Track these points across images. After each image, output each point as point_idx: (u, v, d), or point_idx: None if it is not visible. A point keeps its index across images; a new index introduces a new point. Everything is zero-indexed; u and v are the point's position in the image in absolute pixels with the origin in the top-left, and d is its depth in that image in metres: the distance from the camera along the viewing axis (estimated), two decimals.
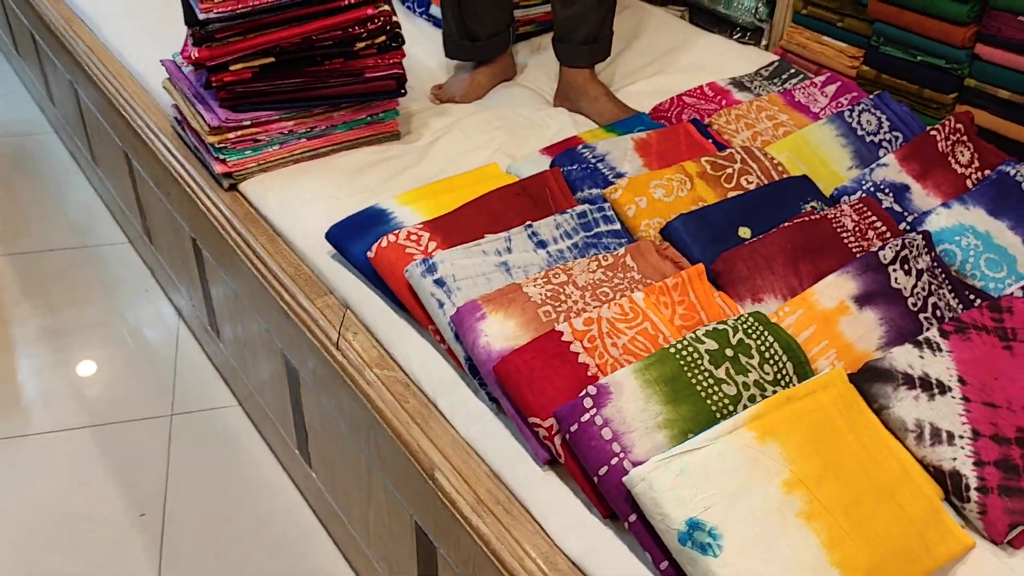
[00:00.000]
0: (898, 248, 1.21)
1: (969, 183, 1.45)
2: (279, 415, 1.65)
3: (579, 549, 0.97)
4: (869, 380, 1.05)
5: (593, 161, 1.44)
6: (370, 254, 1.25)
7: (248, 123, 1.53)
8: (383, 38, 1.55)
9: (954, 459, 0.99)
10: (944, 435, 1.01)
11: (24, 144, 2.77)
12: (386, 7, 1.53)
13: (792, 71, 1.75)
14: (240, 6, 1.43)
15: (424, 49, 2.00)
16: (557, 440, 1.00)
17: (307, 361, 1.39)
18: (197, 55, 1.47)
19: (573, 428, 0.97)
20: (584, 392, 0.98)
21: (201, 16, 1.43)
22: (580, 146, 1.47)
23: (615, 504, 0.94)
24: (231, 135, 1.53)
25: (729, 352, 1.05)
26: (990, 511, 0.96)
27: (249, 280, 1.49)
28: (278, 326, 1.45)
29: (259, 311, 1.53)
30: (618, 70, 1.93)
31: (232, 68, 1.49)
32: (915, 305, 1.19)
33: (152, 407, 1.88)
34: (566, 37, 1.74)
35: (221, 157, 1.54)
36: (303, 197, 1.49)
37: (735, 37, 2.04)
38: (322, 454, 1.52)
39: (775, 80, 1.74)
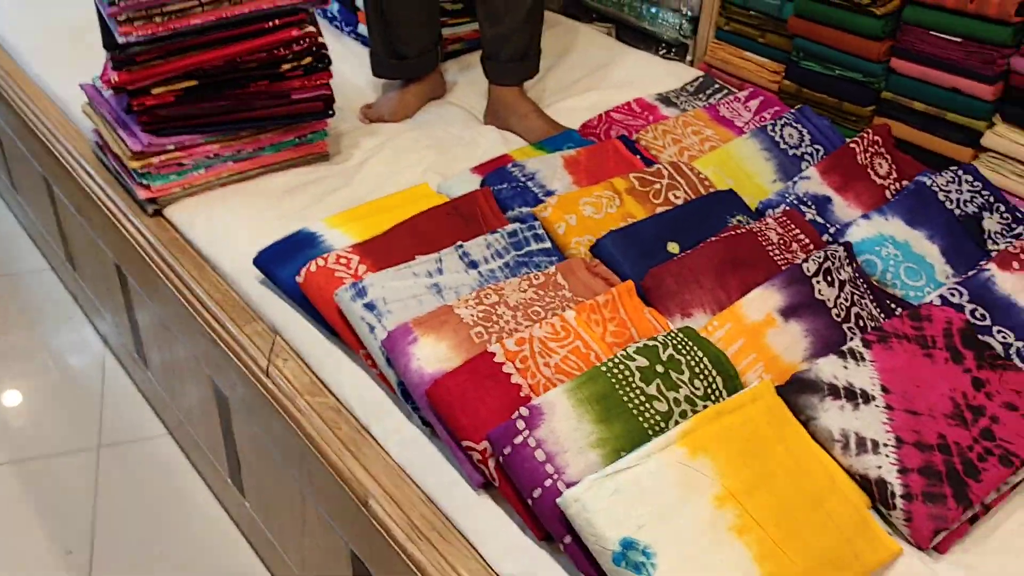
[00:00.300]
0: (821, 260, 1.24)
1: (888, 194, 1.49)
2: (210, 444, 1.62)
3: (515, 572, 0.96)
4: (796, 392, 1.07)
5: (523, 180, 1.44)
6: (299, 279, 1.23)
7: (172, 147, 1.50)
8: (309, 59, 1.53)
9: (879, 467, 1.01)
10: (869, 444, 1.03)
11: None
12: (311, 28, 1.52)
13: (716, 86, 1.78)
14: (161, 29, 1.40)
15: (353, 68, 1.99)
16: (491, 463, 1.00)
17: (236, 388, 1.36)
18: (117, 79, 1.44)
19: (506, 451, 0.97)
20: (516, 414, 0.98)
21: (120, 40, 1.39)
22: (510, 165, 1.47)
23: (550, 526, 0.94)
24: (154, 160, 1.49)
25: (660, 368, 1.06)
26: (915, 518, 0.98)
27: (176, 307, 1.46)
28: (206, 353, 1.42)
29: (187, 338, 1.49)
30: (548, 87, 1.94)
31: (154, 92, 1.46)
32: (839, 316, 1.21)
33: (78, 439, 1.82)
34: (494, 55, 1.74)
35: (144, 183, 1.51)
36: (230, 222, 1.46)
37: (660, 53, 2.07)
38: (255, 483, 1.49)
39: (700, 95, 1.76)
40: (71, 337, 2.08)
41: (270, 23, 1.48)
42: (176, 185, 1.53)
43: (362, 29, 2.12)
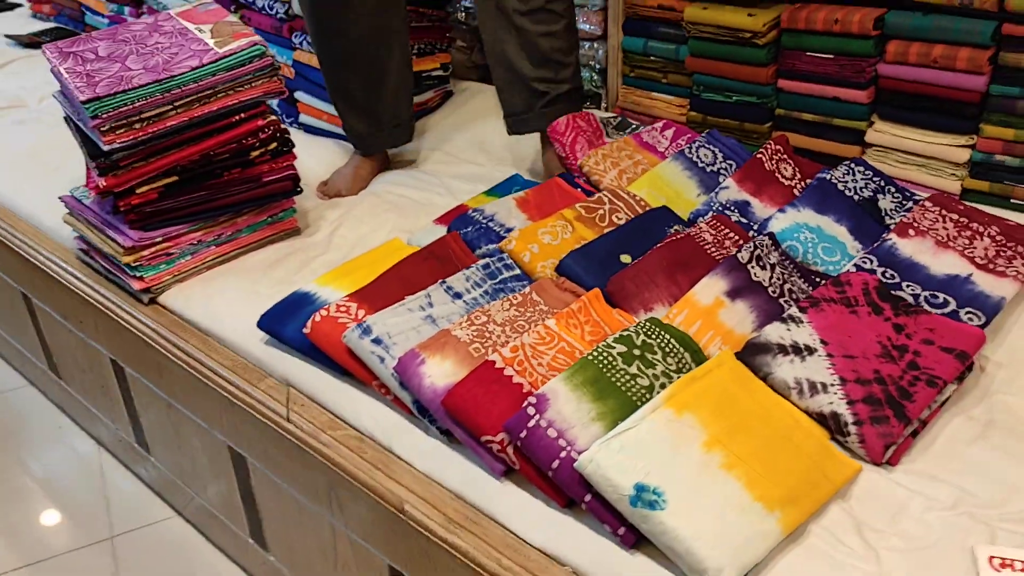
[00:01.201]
0: (752, 249, 1.45)
1: (796, 192, 1.72)
2: (227, 510, 1.72)
3: (545, 539, 1.11)
4: (752, 354, 1.27)
5: (484, 222, 1.63)
6: (306, 330, 1.38)
7: (159, 239, 1.64)
8: (275, 144, 1.70)
9: (831, 403, 1.21)
10: (819, 386, 1.22)
11: None
12: (273, 117, 1.69)
13: (634, 126, 2.00)
14: (141, 134, 1.56)
15: (302, 152, 2.15)
16: (510, 450, 1.16)
17: (256, 444, 1.49)
18: (104, 184, 1.58)
19: (523, 435, 1.13)
20: (527, 402, 1.14)
21: (105, 148, 1.54)
22: (470, 211, 1.66)
23: (571, 490, 1.10)
24: (145, 252, 1.63)
25: (636, 352, 1.24)
26: (867, 438, 1.17)
27: (184, 384, 1.58)
28: (221, 420, 1.54)
29: (198, 412, 1.61)
30: (489, 139, 2.14)
31: (138, 191, 1.61)
32: (775, 293, 1.42)
33: (89, 534, 1.90)
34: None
35: (138, 275, 1.64)
36: (226, 297, 1.61)
37: None
38: (278, 534, 1.60)
39: (621, 131, 1.99)
40: (63, 445, 2.16)
41: (237, 117, 1.65)
42: (167, 274, 1.67)
43: (303, 119, 2.30)
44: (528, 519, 1.14)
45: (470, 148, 2.15)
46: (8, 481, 2.06)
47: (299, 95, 2.29)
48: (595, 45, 2.20)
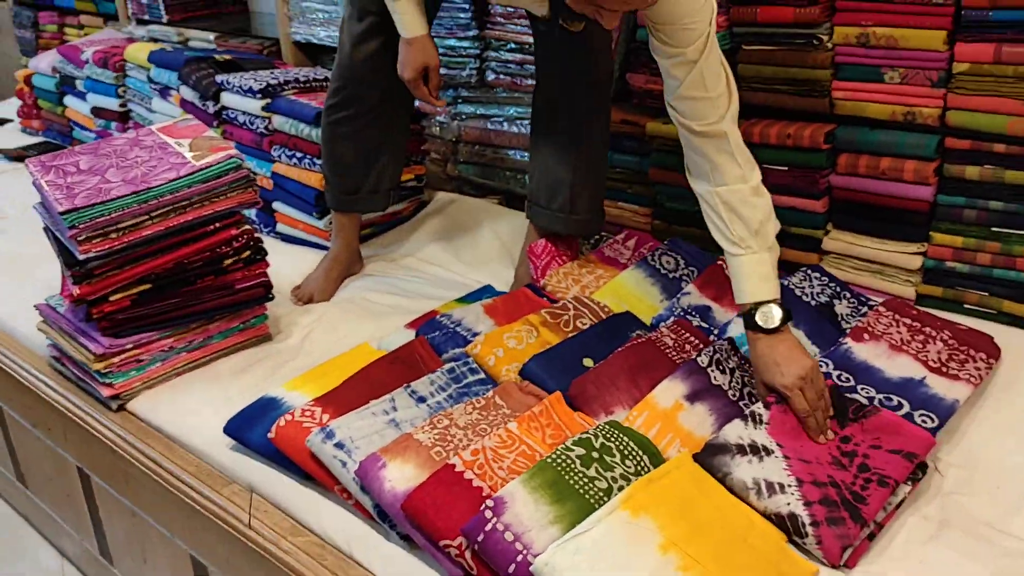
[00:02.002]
0: (711, 353, 1.49)
1: None
2: None
3: None
4: (711, 455, 1.28)
5: (452, 327, 1.66)
6: (270, 435, 1.39)
7: (130, 346, 1.66)
8: (248, 253, 1.75)
9: (788, 504, 1.22)
10: (776, 487, 1.24)
11: None
12: (247, 226, 1.74)
13: (600, 236, 2.06)
14: (116, 243, 1.60)
15: (277, 261, 2.20)
16: (468, 555, 1.16)
17: (217, 551, 1.47)
18: (78, 292, 1.61)
19: (480, 538, 1.13)
20: (484, 506, 1.15)
21: (81, 256, 1.58)
22: (439, 316, 1.69)
23: None
24: (116, 359, 1.65)
25: (595, 454, 1.25)
26: (824, 540, 1.18)
27: (149, 491, 1.58)
28: (183, 527, 1.53)
29: (161, 520, 1.60)
30: (462, 248, 2.20)
31: (111, 299, 1.63)
32: (734, 396, 1.45)
33: None
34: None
35: (108, 381, 1.65)
36: (194, 403, 1.62)
37: None
38: None
39: (586, 244, 2.05)
40: (25, 558, 2.11)
41: (212, 226, 1.70)
42: (137, 380, 1.68)
43: (280, 228, 2.36)
44: None
45: (443, 256, 2.20)
46: None
47: (277, 205, 2.35)
48: None
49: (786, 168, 1.89)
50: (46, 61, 3.26)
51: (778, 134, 1.87)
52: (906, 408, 1.43)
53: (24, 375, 1.85)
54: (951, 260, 1.77)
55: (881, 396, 1.46)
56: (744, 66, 1.90)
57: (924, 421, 1.40)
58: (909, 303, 1.71)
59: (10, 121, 3.55)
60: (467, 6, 2.35)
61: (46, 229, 1.77)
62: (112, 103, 2.97)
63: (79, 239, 1.57)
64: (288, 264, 2.17)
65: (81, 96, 3.10)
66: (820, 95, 1.83)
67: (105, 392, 1.66)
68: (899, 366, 1.52)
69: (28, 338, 1.91)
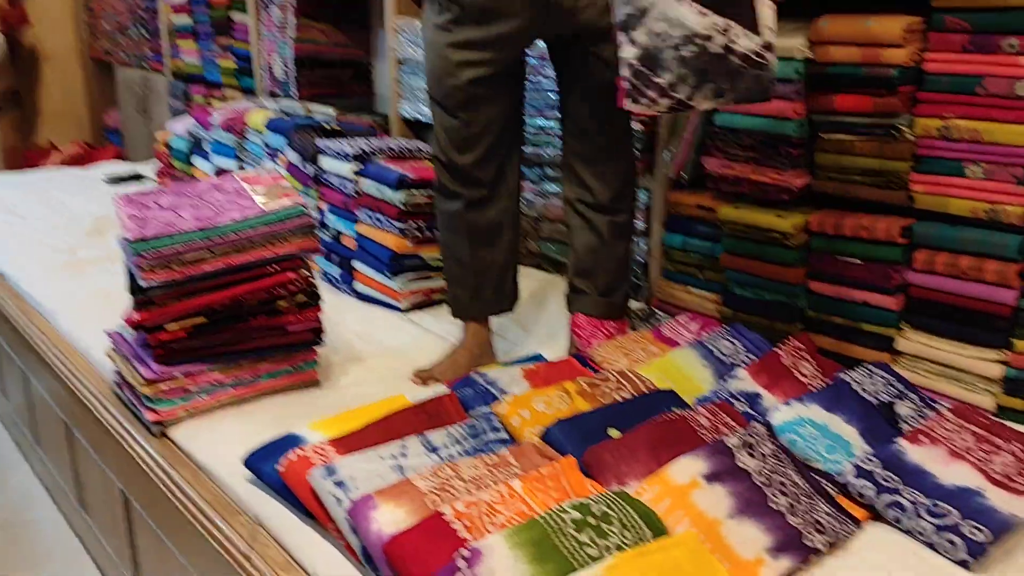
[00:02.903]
0: (743, 435, 1.40)
1: (812, 390, 1.66)
2: None
3: None
4: None
5: (485, 385, 1.64)
6: (280, 468, 1.40)
7: (179, 375, 1.72)
8: (303, 297, 1.79)
9: None
10: None
11: None
12: (305, 271, 1.79)
13: (657, 316, 2.01)
14: (177, 275, 1.68)
15: (350, 315, 2.26)
16: None
17: None
18: (138, 318, 1.69)
19: None
20: (458, 553, 1.10)
21: (143, 284, 1.66)
22: (474, 373, 1.68)
23: None
24: (163, 386, 1.70)
25: (592, 520, 1.19)
26: None
27: (174, 517, 1.60)
28: (199, 556, 1.54)
29: (182, 547, 1.62)
30: (525, 318, 2.19)
31: (168, 328, 1.70)
32: (762, 482, 1.35)
33: None
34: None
35: (152, 407, 1.71)
36: (228, 435, 1.65)
37: None
38: None
39: (645, 322, 2.00)
40: None
41: (271, 268, 1.76)
42: (181, 409, 1.73)
43: (357, 286, 2.42)
44: None
45: (504, 322, 2.19)
46: None
47: (356, 264, 2.41)
48: (636, 240, 2.26)
49: (860, 261, 1.80)
50: (182, 125, 3.52)
51: (852, 225, 1.79)
52: (955, 518, 1.29)
53: (89, 398, 1.93)
54: None
55: (927, 502, 1.32)
56: (821, 155, 1.84)
57: (973, 534, 1.26)
58: (979, 409, 1.56)
59: (145, 177, 3.84)
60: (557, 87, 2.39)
61: (125, 263, 1.88)
62: (232, 164, 3.17)
63: (143, 267, 1.65)
64: (356, 319, 2.22)
65: (206, 156, 3.32)
66: (898, 187, 1.74)
67: (149, 416, 1.71)
68: (955, 474, 1.39)
69: (100, 363, 2.00)
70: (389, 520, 1.22)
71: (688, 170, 2.07)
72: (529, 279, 2.45)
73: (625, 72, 1.44)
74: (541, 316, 2.24)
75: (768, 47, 1.43)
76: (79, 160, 5.03)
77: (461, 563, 1.10)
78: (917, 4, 1.65)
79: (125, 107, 5.15)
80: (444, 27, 1.72)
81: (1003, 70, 1.56)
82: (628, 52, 1.42)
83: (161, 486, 1.61)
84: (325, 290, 1.96)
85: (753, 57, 1.40)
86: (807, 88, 1.81)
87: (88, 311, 2.27)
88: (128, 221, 1.73)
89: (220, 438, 1.65)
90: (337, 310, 2.24)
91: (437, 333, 2.16)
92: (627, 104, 1.46)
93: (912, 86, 1.69)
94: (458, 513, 1.21)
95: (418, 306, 2.33)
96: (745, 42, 1.39)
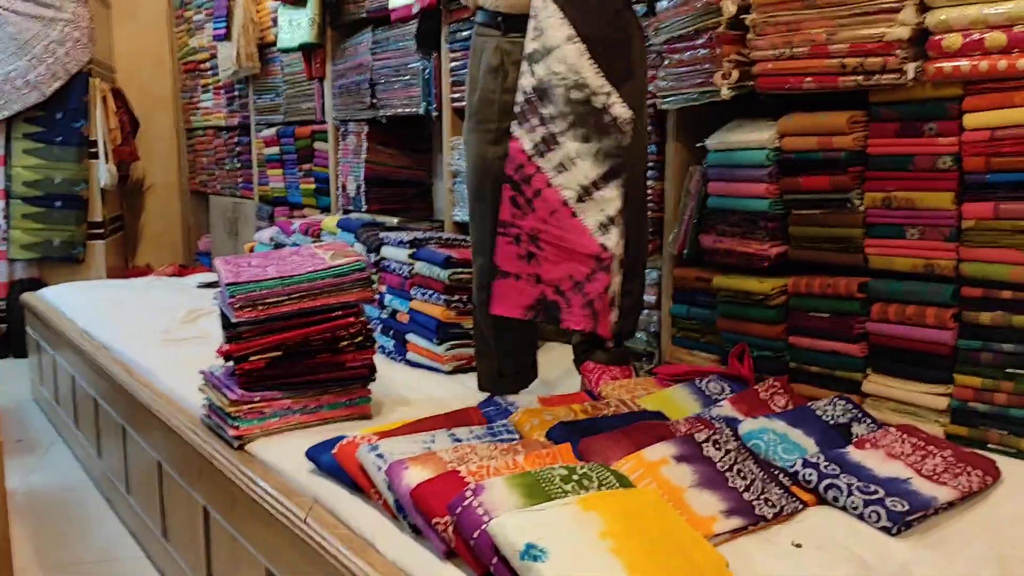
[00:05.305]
0: (710, 432, 1.71)
1: None
2: None
3: None
4: None
5: (506, 405, 1.98)
6: (334, 451, 1.75)
7: (258, 399, 2.10)
8: (360, 338, 2.18)
9: None
10: None
11: (67, 498, 3.26)
12: (363, 318, 2.19)
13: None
14: (261, 315, 2.09)
15: (400, 377, 2.62)
16: (450, 530, 1.42)
17: (282, 553, 1.79)
18: (227, 348, 2.09)
19: (459, 511, 1.40)
20: (467, 488, 1.43)
21: (234, 320, 2.08)
22: (498, 397, 2.02)
23: (483, 554, 1.34)
24: (244, 407, 2.08)
25: (575, 477, 1.50)
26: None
27: (243, 505, 1.94)
28: (265, 537, 1.87)
29: (252, 536, 1.94)
30: (548, 374, 2.53)
31: (251, 359, 2.10)
32: (723, 467, 1.64)
33: None
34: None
35: (234, 424, 2.08)
36: (294, 447, 2.00)
37: (634, 364, 2.67)
38: None
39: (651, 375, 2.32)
40: None
41: (336, 313, 2.16)
42: (257, 428, 2.10)
43: (410, 356, 2.79)
44: None
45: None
46: None
47: (409, 336, 2.80)
48: (650, 313, 2.61)
49: (827, 315, 2.12)
50: (267, 234, 4.04)
51: (820, 284, 2.12)
52: (880, 494, 1.56)
53: (180, 427, 2.31)
54: (972, 400, 1.89)
55: (860, 484, 1.60)
56: (794, 227, 2.20)
57: (894, 506, 1.53)
58: (921, 430, 1.84)
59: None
60: None
61: (220, 312, 2.30)
62: None
63: (235, 306, 2.07)
64: (406, 378, 2.59)
65: None
66: (855, 251, 2.08)
67: (231, 432, 2.08)
68: (890, 469, 1.66)
69: (191, 406, 2.39)
70: (416, 476, 1.55)
71: (688, 247, 2.44)
72: (550, 352, 2.81)
73: (519, 97, 1.85)
74: (556, 368, 2.58)
75: (630, 122, 1.85)
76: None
77: (468, 493, 1.42)
78: (860, 101, 2.04)
79: (216, 230, 5.77)
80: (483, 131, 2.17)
81: (927, 148, 1.92)
82: (526, 81, 1.84)
83: (236, 482, 1.96)
84: (380, 360, 2.33)
85: (620, 123, 1.80)
86: (779, 172, 2.19)
87: (182, 370, 2.68)
88: (225, 273, 2.17)
89: (285, 452, 2.01)
90: (389, 372, 2.62)
91: (474, 389, 2.51)
92: (512, 126, 1.86)
93: (860, 166, 2.06)
94: (470, 471, 1.54)
95: (459, 369, 2.69)
96: (620, 110, 1.80)
